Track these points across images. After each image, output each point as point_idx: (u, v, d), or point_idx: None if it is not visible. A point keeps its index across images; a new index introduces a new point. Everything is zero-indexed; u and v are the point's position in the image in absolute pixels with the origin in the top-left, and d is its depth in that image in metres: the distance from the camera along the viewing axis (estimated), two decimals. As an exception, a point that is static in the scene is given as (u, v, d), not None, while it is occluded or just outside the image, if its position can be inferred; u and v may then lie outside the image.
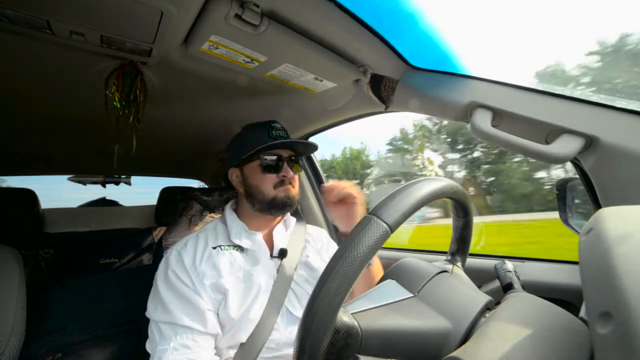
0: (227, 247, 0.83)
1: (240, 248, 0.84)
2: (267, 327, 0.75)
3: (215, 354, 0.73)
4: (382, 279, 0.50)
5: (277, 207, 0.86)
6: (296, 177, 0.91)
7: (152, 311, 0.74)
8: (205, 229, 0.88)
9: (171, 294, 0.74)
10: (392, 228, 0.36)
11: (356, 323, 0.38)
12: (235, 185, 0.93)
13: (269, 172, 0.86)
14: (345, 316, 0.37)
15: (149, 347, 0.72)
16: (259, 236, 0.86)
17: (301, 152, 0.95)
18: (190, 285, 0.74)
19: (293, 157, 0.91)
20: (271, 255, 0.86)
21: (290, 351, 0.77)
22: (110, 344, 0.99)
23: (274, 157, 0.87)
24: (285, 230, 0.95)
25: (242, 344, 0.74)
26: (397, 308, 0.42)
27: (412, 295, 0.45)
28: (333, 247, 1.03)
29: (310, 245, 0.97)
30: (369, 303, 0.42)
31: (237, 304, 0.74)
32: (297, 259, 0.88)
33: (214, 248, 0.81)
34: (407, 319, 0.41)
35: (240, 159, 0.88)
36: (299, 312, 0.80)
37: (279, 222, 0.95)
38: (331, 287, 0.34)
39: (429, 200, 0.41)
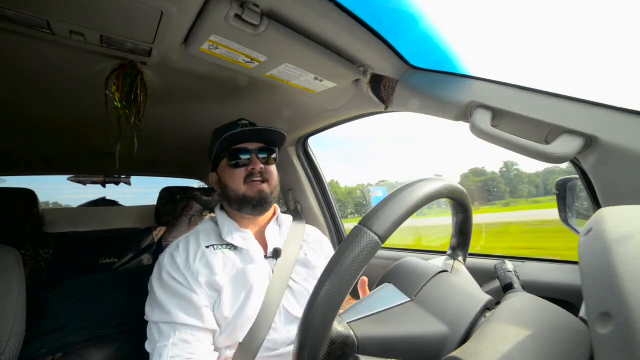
0: (220, 247, 0.83)
1: (233, 247, 0.84)
2: (264, 327, 0.75)
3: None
4: (380, 281, 0.49)
5: (249, 204, 0.85)
6: (270, 169, 0.89)
7: (150, 313, 0.74)
8: (197, 230, 0.88)
9: (167, 294, 0.74)
10: (383, 238, 0.36)
11: (352, 333, 0.38)
12: (216, 189, 0.94)
13: (236, 167, 0.86)
14: (340, 326, 0.37)
15: (148, 346, 0.73)
16: (251, 234, 0.86)
17: (270, 142, 0.91)
18: (185, 283, 0.74)
19: (263, 149, 0.89)
20: (266, 256, 0.85)
21: (289, 350, 0.77)
22: (110, 344, 0.99)
23: (241, 151, 0.86)
24: (279, 230, 0.94)
25: (240, 344, 0.74)
26: (393, 315, 0.42)
27: (410, 299, 0.44)
28: (327, 247, 1.03)
29: (308, 245, 0.96)
30: (365, 311, 0.42)
31: (230, 303, 0.74)
32: (295, 258, 0.88)
33: (207, 247, 0.81)
34: (404, 325, 0.41)
35: (213, 162, 0.89)
36: (297, 311, 0.80)
37: (269, 221, 0.94)
38: (323, 301, 0.34)
39: (424, 204, 0.40)
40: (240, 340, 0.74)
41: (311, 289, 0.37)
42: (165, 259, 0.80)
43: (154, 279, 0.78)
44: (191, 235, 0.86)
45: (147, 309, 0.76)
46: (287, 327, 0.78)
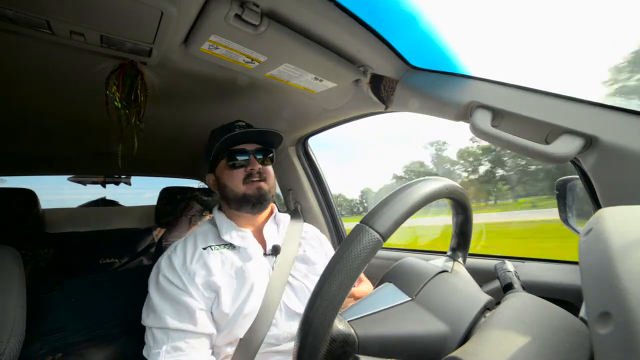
0: (217, 247, 0.83)
1: (231, 246, 0.84)
2: (265, 323, 0.75)
3: (213, 353, 0.74)
4: (381, 281, 0.49)
5: (249, 203, 0.86)
6: (267, 169, 0.91)
7: (145, 318, 0.75)
8: (194, 232, 0.89)
9: (162, 299, 0.74)
10: (384, 237, 0.36)
11: (353, 331, 0.38)
12: (213, 190, 0.95)
13: (235, 167, 0.87)
14: (341, 324, 0.37)
15: (145, 353, 0.73)
16: (249, 233, 0.87)
17: (268, 143, 0.93)
18: (181, 286, 0.75)
19: (260, 150, 0.90)
20: (265, 253, 0.86)
21: (291, 345, 0.77)
22: (110, 344, 0.99)
23: (239, 152, 0.87)
24: (277, 228, 0.95)
25: (241, 340, 0.74)
26: (394, 314, 0.42)
27: (410, 298, 0.44)
28: (326, 244, 1.04)
29: (306, 242, 0.97)
30: (366, 309, 0.42)
31: (230, 300, 0.75)
32: (294, 255, 0.88)
33: (204, 249, 0.82)
34: (404, 324, 0.41)
35: (210, 163, 0.91)
36: (298, 307, 0.80)
37: (266, 219, 0.95)
38: (324, 300, 0.34)
39: (424, 203, 0.40)
40: (241, 337, 0.74)
41: (311, 285, 0.37)
42: (163, 261, 0.81)
43: (151, 282, 0.79)
44: (189, 237, 0.87)
45: (143, 312, 0.76)
46: (288, 322, 0.79)
